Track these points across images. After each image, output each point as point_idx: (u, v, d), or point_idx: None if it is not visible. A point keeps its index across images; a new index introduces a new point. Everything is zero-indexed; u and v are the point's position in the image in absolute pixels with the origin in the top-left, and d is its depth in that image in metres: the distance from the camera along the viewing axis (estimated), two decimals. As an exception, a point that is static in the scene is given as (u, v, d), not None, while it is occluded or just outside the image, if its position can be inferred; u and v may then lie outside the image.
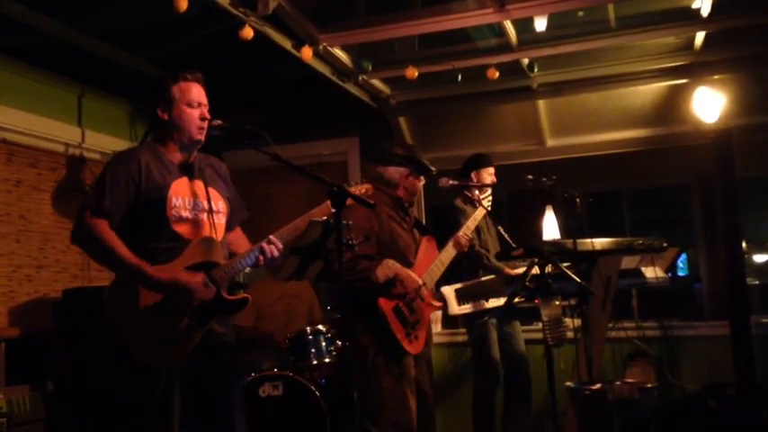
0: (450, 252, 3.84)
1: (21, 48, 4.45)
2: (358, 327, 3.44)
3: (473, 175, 4.60)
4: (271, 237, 2.67)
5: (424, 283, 3.59)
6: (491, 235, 4.63)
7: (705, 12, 4.03)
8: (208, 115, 2.69)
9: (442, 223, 4.66)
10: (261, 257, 2.64)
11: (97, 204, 2.52)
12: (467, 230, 3.99)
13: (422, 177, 3.81)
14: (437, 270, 3.77)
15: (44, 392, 4.51)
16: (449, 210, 4.56)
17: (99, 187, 2.56)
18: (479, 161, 4.66)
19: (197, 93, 2.70)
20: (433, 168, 3.83)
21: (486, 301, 4.36)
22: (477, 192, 4.31)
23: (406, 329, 3.45)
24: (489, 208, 4.21)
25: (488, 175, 4.59)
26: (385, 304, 3.41)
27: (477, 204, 4.19)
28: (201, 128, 2.66)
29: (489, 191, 4.44)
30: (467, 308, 4.33)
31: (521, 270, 4.29)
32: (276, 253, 2.66)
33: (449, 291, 4.33)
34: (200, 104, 2.69)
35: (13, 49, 4.48)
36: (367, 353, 3.43)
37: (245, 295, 2.68)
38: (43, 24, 4.08)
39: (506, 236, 4.45)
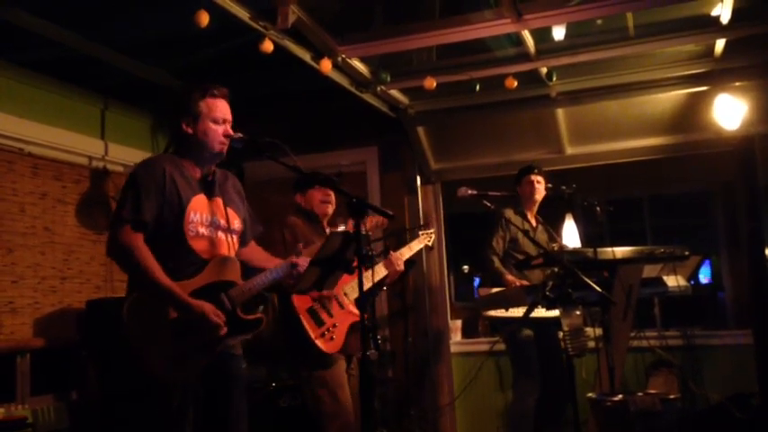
0: (379, 271, 3.86)
1: (44, 62, 4.53)
2: (286, 333, 3.61)
3: (517, 189, 4.62)
4: (300, 252, 2.71)
5: (346, 293, 3.69)
6: (542, 242, 4.48)
7: (725, 19, 3.99)
8: (231, 132, 2.68)
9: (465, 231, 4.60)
10: (294, 271, 2.71)
11: (133, 216, 2.50)
12: (401, 255, 3.98)
13: (318, 188, 3.84)
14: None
15: (68, 402, 4.56)
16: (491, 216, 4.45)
17: (132, 197, 2.52)
18: (518, 174, 4.63)
19: (223, 109, 2.69)
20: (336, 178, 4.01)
21: (507, 309, 4.34)
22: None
23: (321, 329, 3.55)
24: (430, 244, 4.25)
25: (527, 184, 4.56)
26: (299, 303, 3.53)
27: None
28: (223, 143, 2.67)
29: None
30: (496, 312, 4.33)
31: (524, 282, 4.27)
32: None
33: (484, 292, 4.37)
34: (224, 121, 2.68)
35: (37, 64, 4.56)
36: (296, 363, 3.66)
37: (260, 315, 2.67)
38: (66, 39, 4.15)
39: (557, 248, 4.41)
